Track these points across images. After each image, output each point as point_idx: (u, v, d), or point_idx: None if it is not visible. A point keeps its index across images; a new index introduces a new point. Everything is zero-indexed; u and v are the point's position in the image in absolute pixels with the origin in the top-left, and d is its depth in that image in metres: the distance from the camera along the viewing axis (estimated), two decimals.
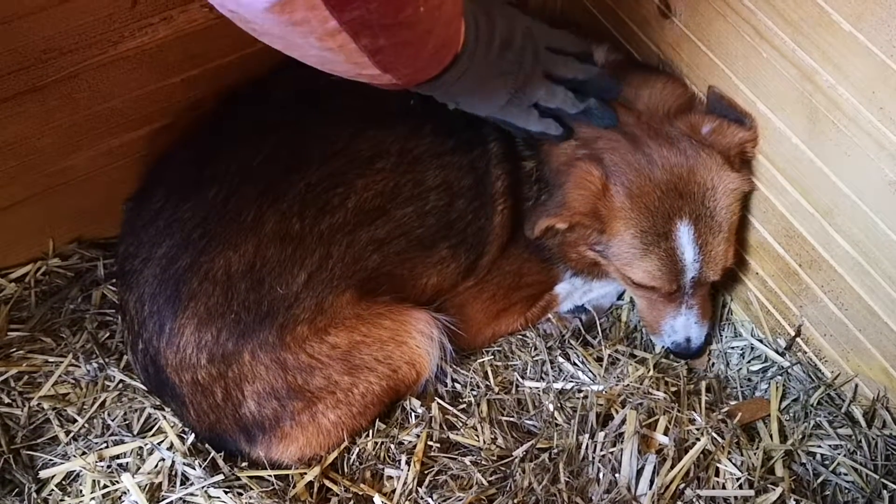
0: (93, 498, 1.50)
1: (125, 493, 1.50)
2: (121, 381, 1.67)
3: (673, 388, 1.69)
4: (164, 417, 1.60)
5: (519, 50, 1.48)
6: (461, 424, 1.64)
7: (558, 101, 1.55)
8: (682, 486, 1.52)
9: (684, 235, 1.54)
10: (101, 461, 1.54)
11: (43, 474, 1.54)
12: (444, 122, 1.61)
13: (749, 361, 1.81)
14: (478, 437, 1.62)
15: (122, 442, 1.57)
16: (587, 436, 1.58)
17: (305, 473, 1.54)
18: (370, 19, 0.96)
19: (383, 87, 1.21)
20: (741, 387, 1.77)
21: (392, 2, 0.96)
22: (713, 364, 1.83)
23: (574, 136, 1.59)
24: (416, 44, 1.10)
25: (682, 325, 1.70)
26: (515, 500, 1.50)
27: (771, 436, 1.64)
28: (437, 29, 1.13)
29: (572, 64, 1.58)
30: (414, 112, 1.59)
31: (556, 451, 1.58)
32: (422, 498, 1.52)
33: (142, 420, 1.62)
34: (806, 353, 1.73)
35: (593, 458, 1.55)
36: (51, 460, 1.56)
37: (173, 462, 1.52)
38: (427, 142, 1.61)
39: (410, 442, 1.61)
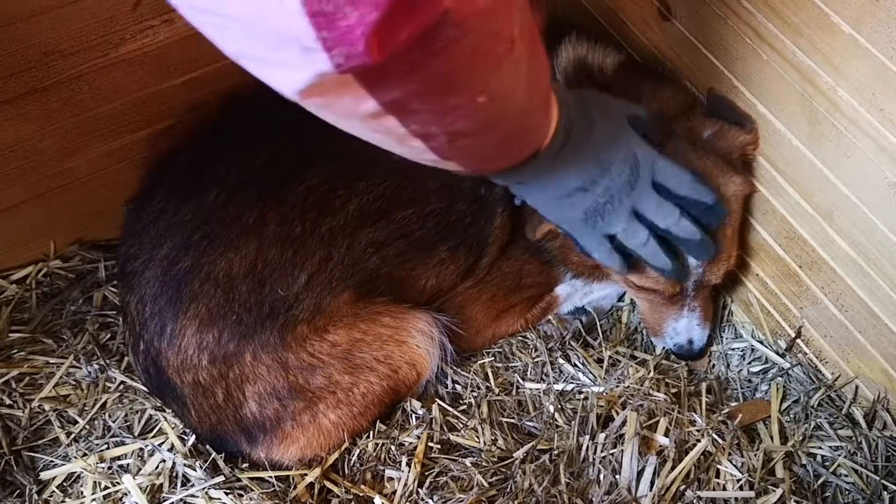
0: (94, 499, 1.50)
1: (126, 494, 1.50)
2: (122, 382, 1.67)
3: (673, 390, 1.69)
4: (165, 419, 1.60)
5: (614, 172, 1.27)
6: (462, 426, 1.65)
7: (633, 243, 1.36)
8: (683, 487, 1.52)
9: None
10: (101, 462, 1.54)
11: (44, 476, 1.55)
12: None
13: (749, 363, 1.81)
14: (478, 438, 1.62)
15: (123, 443, 1.58)
16: (588, 437, 1.58)
17: (306, 474, 1.54)
18: (413, 103, 0.82)
19: (453, 172, 1.07)
20: (741, 388, 1.77)
21: (436, 86, 0.81)
22: (713, 365, 1.83)
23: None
24: (475, 136, 0.94)
25: (685, 327, 1.70)
26: (516, 502, 1.50)
27: (771, 437, 1.65)
28: (505, 123, 0.97)
29: (670, 210, 1.35)
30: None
31: (556, 452, 1.58)
32: (422, 499, 1.52)
33: (143, 421, 1.62)
34: (806, 354, 1.73)
35: (594, 459, 1.56)
36: (52, 462, 1.56)
37: (174, 463, 1.52)
38: None
39: (411, 443, 1.61)
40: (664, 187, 1.35)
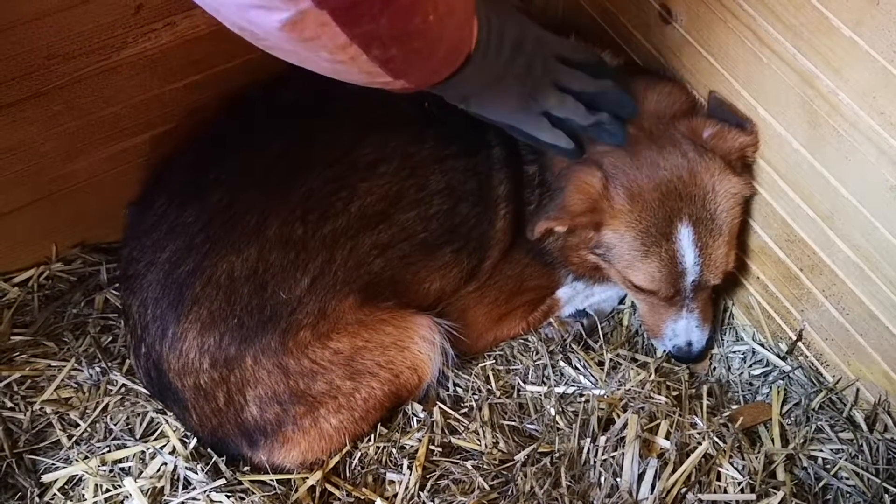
0: (95, 502, 1.50)
1: (127, 497, 1.50)
2: (123, 385, 1.67)
3: (674, 393, 1.69)
4: (167, 421, 1.60)
5: (529, 55, 1.46)
6: (463, 429, 1.64)
7: (569, 111, 1.51)
8: (684, 490, 1.52)
9: (685, 238, 1.55)
10: (103, 465, 1.54)
11: (45, 478, 1.54)
12: (446, 127, 1.61)
13: (750, 366, 1.81)
14: (479, 441, 1.62)
15: (125, 446, 1.58)
16: (589, 440, 1.58)
17: (307, 478, 1.54)
18: (380, 32, 0.96)
19: (396, 92, 1.21)
20: (742, 391, 1.77)
21: (401, 14, 0.96)
22: (714, 368, 1.83)
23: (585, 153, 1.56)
24: (427, 50, 1.10)
25: (684, 329, 1.70)
26: None
27: (772, 440, 1.65)
28: (447, 34, 1.12)
29: (583, 77, 1.54)
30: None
31: (557, 455, 1.58)
32: (423, 502, 1.52)
33: (144, 424, 1.62)
34: (807, 357, 1.73)
35: (595, 462, 1.56)
36: (53, 464, 1.56)
37: (175, 466, 1.52)
38: (429, 146, 1.62)
39: (412, 446, 1.61)
40: (568, 60, 1.54)
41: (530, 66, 1.46)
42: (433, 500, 1.52)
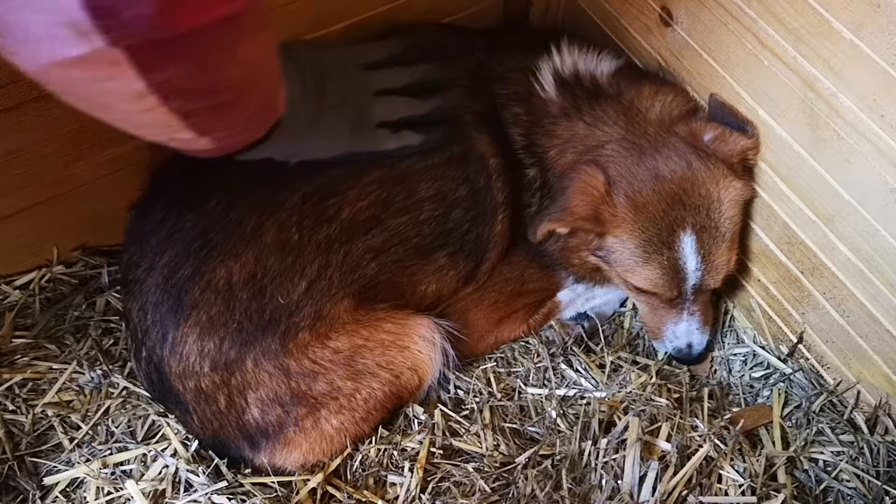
0: None
1: (129, 499, 1.50)
2: (125, 387, 1.67)
3: (675, 395, 1.69)
4: (168, 424, 1.60)
5: (337, 81, 1.43)
6: (464, 431, 1.65)
7: (401, 110, 1.50)
8: (685, 492, 1.52)
9: (687, 246, 1.55)
10: (105, 468, 1.54)
11: (47, 481, 1.55)
12: (429, 141, 1.60)
13: (751, 368, 1.81)
14: (480, 443, 1.62)
15: (126, 449, 1.58)
16: (590, 442, 1.58)
17: (309, 480, 1.54)
18: (182, 82, 0.88)
19: (204, 155, 1.12)
20: (743, 393, 1.77)
21: (206, 63, 0.88)
22: (715, 371, 1.83)
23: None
24: (234, 105, 1.02)
25: (684, 331, 1.70)
26: None
27: (773, 442, 1.65)
28: (256, 90, 1.07)
29: (396, 71, 1.53)
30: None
31: (558, 457, 1.58)
32: None
33: (145, 427, 1.62)
34: (808, 359, 1.73)
35: (596, 464, 1.56)
36: (55, 467, 1.56)
37: (177, 469, 1.53)
38: (412, 158, 1.61)
39: (413, 448, 1.61)
40: (376, 63, 1.53)
41: (343, 90, 1.43)
42: (434, 503, 1.52)
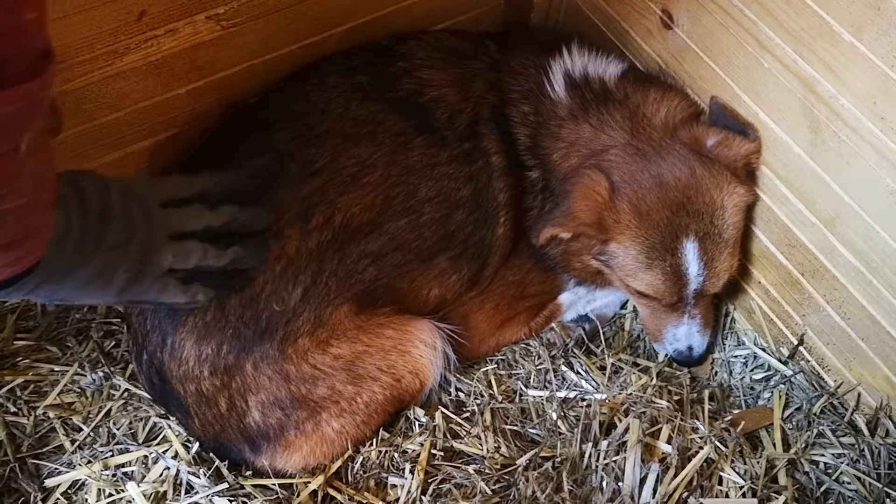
0: None
1: (130, 501, 1.50)
2: (126, 389, 1.67)
3: (676, 397, 1.69)
4: (169, 426, 1.60)
5: (123, 219, 1.25)
6: (465, 433, 1.65)
7: (196, 258, 1.35)
8: (686, 494, 1.52)
9: (690, 252, 1.55)
10: (106, 470, 1.55)
11: (48, 483, 1.55)
12: (436, 135, 1.60)
13: (752, 370, 1.81)
14: (481, 445, 1.62)
15: (128, 450, 1.58)
16: (590, 444, 1.58)
17: (309, 482, 1.55)
18: None
19: None
20: (744, 395, 1.77)
21: None
22: (716, 373, 1.83)
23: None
24: None
25: (685, 334, 1.71)
26: None
27: (774, 444, 1.65)
28: (5, 224, 0.93)
29: (199, 211, 1.37)
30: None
31: (559, 459, 1.58)
32: None
33: (147, 429, 1.63)
34: (809, 361, 1.73)
35: (596, 466, 1.56)
36: (56, 469, 1.57)
37: (178, 471, 1.53)
38: (417, 154, 1.61)
39: (414, 451, 1.61)
40: (176, 201, 1.37)
41: (130, 228, 1.26)
42: None
